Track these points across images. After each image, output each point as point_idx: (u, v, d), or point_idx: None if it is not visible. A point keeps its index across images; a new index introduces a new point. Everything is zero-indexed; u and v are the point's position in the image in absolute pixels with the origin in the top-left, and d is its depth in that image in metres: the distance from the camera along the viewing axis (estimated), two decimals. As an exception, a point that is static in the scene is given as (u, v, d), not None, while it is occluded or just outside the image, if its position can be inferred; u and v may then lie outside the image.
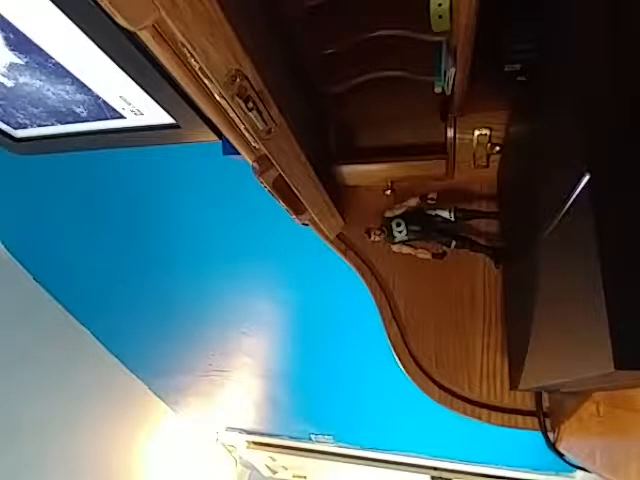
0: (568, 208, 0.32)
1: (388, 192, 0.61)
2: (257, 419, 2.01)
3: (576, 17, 0.34)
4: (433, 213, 0.59)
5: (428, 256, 0.60)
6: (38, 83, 0.58)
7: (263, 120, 0.33)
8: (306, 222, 0.57)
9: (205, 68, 0.27)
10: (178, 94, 0.55)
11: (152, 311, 1.45)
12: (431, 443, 1.57)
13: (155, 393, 1.98)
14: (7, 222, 1.30)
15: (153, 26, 0.26)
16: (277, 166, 0.41)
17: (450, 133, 0.54)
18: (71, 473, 1.58)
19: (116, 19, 0.21)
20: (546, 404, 0.55)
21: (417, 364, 0.60)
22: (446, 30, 0.38)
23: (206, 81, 0.31)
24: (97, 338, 1.70)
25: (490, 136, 0.55)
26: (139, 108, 0.59)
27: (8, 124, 0.68)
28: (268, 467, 2.30)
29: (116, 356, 1.78)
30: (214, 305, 1.34)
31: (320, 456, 2.00)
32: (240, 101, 0.30)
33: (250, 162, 0.44)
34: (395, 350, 0.61)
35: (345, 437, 1.83)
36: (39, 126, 0.66)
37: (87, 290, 1.48)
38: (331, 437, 1.86)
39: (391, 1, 0.41)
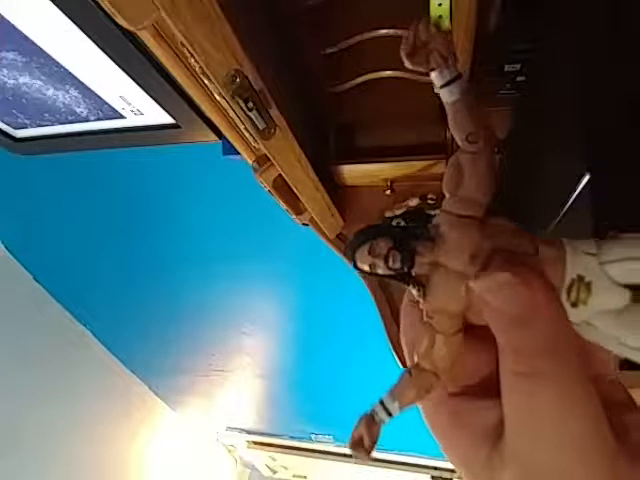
0: (568, 208, 0.32)
1: (388, 192, 0.61)
2: (257, 419, 2.01)
3: (576, 17, 0.34)
4: (433, 213, 0.59)
5: (428, 256, 0.60)
6: (38, 83, 0.58)
7: (263, 120, 0.33)
8: (306, 222, 0.57)
9: (205, 68, 0.27)
10: (178, 94, 0.54)
11: (152, 311, 1.45)
12: (431, 443, 1.57)
13: (155, 393, 1.99)
14: (7, 222, 1.30)
15: (153, 26, 0.26)
16: (277, 166, 0.41)
17: (450, 133, 0.54)
18: (71, 473, 1.58)
19: (116, 19, 0.21)
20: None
21: (417, 364, 0.60)
22: (446, 30, 0.38)
23: (206, 81, 0.31)
24: (97, 338, 1.70)
25: (490, 136, 0.54)
26: (139, 108, 0.59)
27: (8, 124, 0.68)
28: (268, 467, 2.30)
29: (116, 356, 1.78)
30: (214, 305, 1.35)
31: (320, 456, 2.00)
32: (240, 101, 0.30)
33: (250, 162, 0.44)
34: (395, 350, 0.61)
35: (345, 437, 1.81)
36: (39, 126, 0.66)
37: (87, 290, 1.48)
38: (331, 437, 1.86)
39: (391, 1, 0.41)
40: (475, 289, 0.19)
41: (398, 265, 0.20)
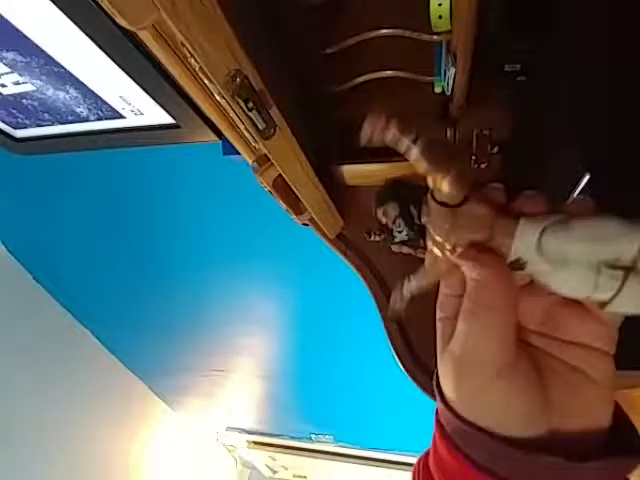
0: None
1: (388, 192, 0.61)
2: (257, 419, 2.01)
3: (576, 18, 0.34)
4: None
5: (428, 256, 0.60)
6: (38, 83, 0.58)
7: (263, 120, 0.33)
8: (306, 222, 0.57)
9: (205, 68, 0.27)
10: (178, 94, 0.55)
11: (152, 311, 1.45)
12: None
13: (155, 393, 1.99)
14: (7, 222, 1.30)
15: (153, 26, 0.26)
16: (277, 166, 0.41)
17: (450, 133, 0.54)
18: (72, 473, 1.58)
19: (116, 19, 0.21)
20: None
21: (418, 363, 0.60)
22: (446, 30, 0.38)
23: (206, 81, 0.31)
24: (97, 338, 1.71)
25: (490, 136, 0.55)
26: (139, 108, 0.59)
27: (8, 124, 0.68)
28: (268, 467, 2.31)
29: (116, 356, 1.78)
30: (214, 305, 1.35)
31: (320, 456, 2.00)
32: (240, 101, 0.30)
33: (250, 162, 0.44)
34: (395, 350, 0.61)
35: (345, 437, 1.83)
36: (39, 126, 0.66)
37: (87, 290, 1.48)
38: (331, 437, 1.86)
39: (391, 1, 0.41)
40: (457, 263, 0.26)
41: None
